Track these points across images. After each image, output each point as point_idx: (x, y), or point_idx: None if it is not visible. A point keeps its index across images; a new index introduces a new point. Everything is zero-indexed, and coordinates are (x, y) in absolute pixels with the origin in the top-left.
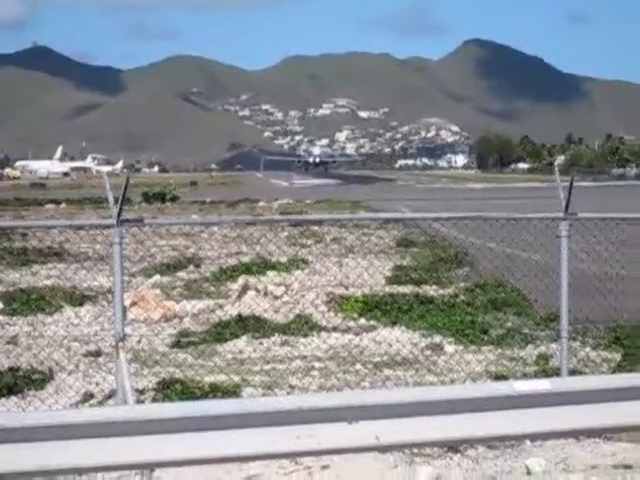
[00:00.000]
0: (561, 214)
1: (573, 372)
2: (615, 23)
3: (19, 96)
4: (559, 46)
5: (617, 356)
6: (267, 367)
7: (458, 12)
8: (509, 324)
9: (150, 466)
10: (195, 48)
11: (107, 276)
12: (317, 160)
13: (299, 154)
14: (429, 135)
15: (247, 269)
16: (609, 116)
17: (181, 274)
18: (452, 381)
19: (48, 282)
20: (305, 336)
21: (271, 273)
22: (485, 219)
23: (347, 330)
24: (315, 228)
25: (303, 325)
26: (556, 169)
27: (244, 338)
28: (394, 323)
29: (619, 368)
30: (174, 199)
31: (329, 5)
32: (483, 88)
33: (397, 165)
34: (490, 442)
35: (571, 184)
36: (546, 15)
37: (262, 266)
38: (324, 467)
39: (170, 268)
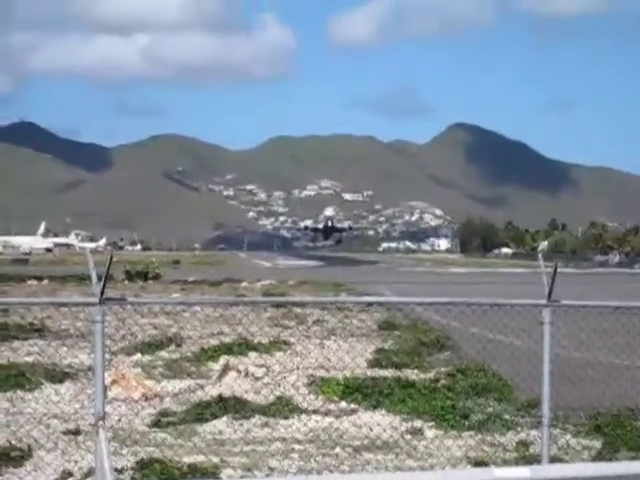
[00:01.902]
0: (544, 301)
1: (554, 459)
2: (600, 109)
3: (3, 171)
4: (544, 131)
5: (598, 444)
6: (247, 448)
7: (443, 95)
8: (490, 410)
9: None
10: (181, 127)
11: (88, 354)
12: (329, 224)
13: (305, 226)
14: (413, 219)
15: (228, 349)
16: (593, 202)
17: (162, 353)
18: (432, 466)
19: (29, 358)
20: (285, 418)
21: (252, 354)
22: (468, 305)
23: (328, 413)
24: (297, 310)
25: (284, 407)
26: (540, 255)
27: (224, 419)
28: (375, 407)
29: (599, 456)
30: (156, 277)
31: (314, 87)
32: (468, 172)
33: (380, 248)
34: None
35: (555, 271)
36: (531, 100)
37: (243, 347)
38: None
39: (151, 347)
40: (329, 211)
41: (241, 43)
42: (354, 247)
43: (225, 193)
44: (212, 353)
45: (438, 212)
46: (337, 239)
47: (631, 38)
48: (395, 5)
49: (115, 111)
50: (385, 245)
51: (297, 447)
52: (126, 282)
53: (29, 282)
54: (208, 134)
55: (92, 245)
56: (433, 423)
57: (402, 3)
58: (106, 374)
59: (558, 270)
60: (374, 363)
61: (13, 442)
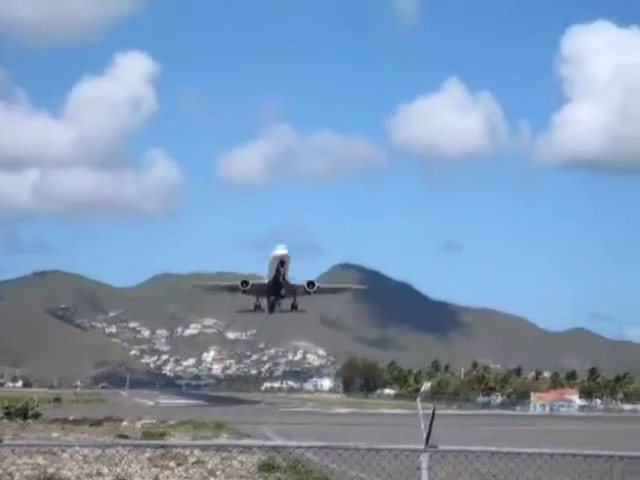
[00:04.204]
0: (422, 446)
1: None
2: (484, 250)
3: None
4: (429, 272)
5: None
6: None
7: (330, 235)
8: None
9: None
10: (66, 263)
11: None
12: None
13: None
14: (296, 358)
15: None
16: (477, 344)
17: None
18: None
19: None
20: None
21: None
22: (346, 449)
23: None
24: (177, 450)
25: None
26: (418, 400)
27: None
28: None
29: None
30: (36, 416)
31: (201, 224)
32: (354, 313)
33: (263, 387)
34: None
35: (433, 415)
36: (418, 241)
37: None
38: None
39: None
40: (210, 355)
41: (129, 179)
42: (237, 386)
43: (108, 330)
44: None
45: (321, 352)
46: None
47: (516, 180)
48: (284, 144)
49: (0, 245)
50: (268, 384)
51: None
52: (5, 420)
53: None
54: (94, 270)
55: None
56: None
57: (291, 143)
58: None
59: (438, 412)
60: None
61: None
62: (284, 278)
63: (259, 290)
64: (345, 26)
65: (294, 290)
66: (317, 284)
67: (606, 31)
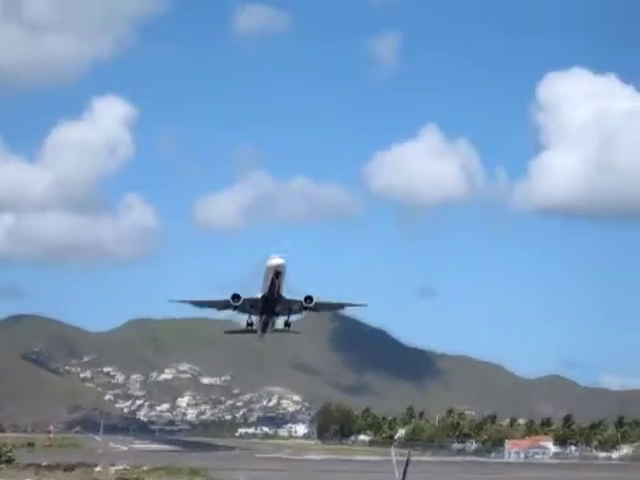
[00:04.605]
0: None
1: None
2: (461, 297)
3: None
4: (405, 319)
5: None
6: None
7: (307, 278)
8: None
9: None
10: (42, 307)
11: None
12: None
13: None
14: (270, 404)
15: None
16: (452, 391)
17: None
18: None
19: None
20: None
21: None
22: None
23: None
24: None
25: None
26: (392, 447)
27: None
28: None
29: None
30: (10, 461)
31: (177, 268)
32: (328, 358)
33: (238, 433)
34: None
35: (407, 462)
36: (394, 288)
37: None
38: None
39: None
40: (184, 400)
41: (106, 223)
42: (211, 431)
43: (82, 375)
44: None
45: (296, 398)
46: None
47: (493, 227)
48: (261, 190)
49: None
50: (242, 430)
51: None
52: None
53: None
54: (69, 315)
55: None
56: None
57: (268, 188)
58: None
59: (413, 459)
60: None
61: None
62: (279, 292)
63: (252, 305)
64: (323, 73)
65: (289, 306)
66: (315, 299)
67: (582, 78)
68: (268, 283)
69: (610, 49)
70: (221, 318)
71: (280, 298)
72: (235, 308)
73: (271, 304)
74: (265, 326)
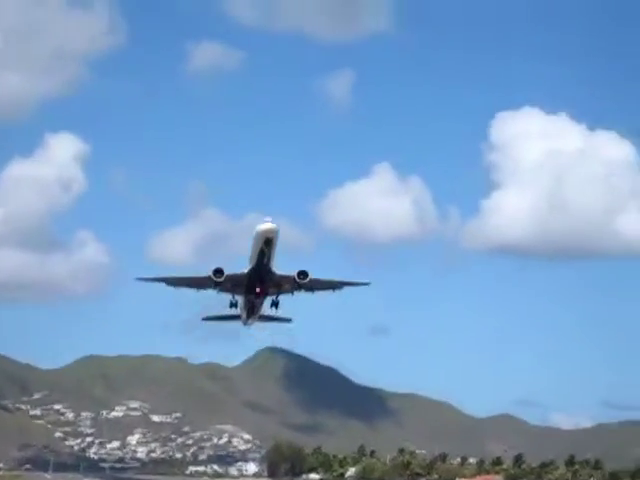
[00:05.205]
0: None
1: None
2: (411, 335)
3: None
4: (356, 357)
5: None
6: None
7: None
8: None
9: None
10: None
11: None
12: None
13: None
14: (221, 442)
15: None
16: (403, 430)
17: None
18: None
19: None
20: None
21: None
22: None
23: None
24: None
25: None
26: None
27: None
28: None
29: None
30: None
31: (128, 306)
32: (279, 397)
33: (188, 471)
34: None
35: None
36: (342, 325)
37: None
38: None
39: None
40: (134, 438)
41: (57, 260)
42: (161, 469)
43: (32, 412)
44: None
45: (246, 436)
46: None
47: (444, 265)
48: (213, 227)
49: None
50: (193, 468)
51: None
52: None
53: None
54: (19, 352)
55: None
56: None
57: (219, 226)
58: None
59: None
60: None
61: None
62: (269, 265)
63: (236, 283)
64: (276, 111)
65: (280, 283)
66: (311, 275)
67: (534, 118)
68: (257, 253)
69: (561, 88)
70: (172, 356)
71: (270, 272)
72: (216, 285)
73: (259, 280)
74: (251, 311)
